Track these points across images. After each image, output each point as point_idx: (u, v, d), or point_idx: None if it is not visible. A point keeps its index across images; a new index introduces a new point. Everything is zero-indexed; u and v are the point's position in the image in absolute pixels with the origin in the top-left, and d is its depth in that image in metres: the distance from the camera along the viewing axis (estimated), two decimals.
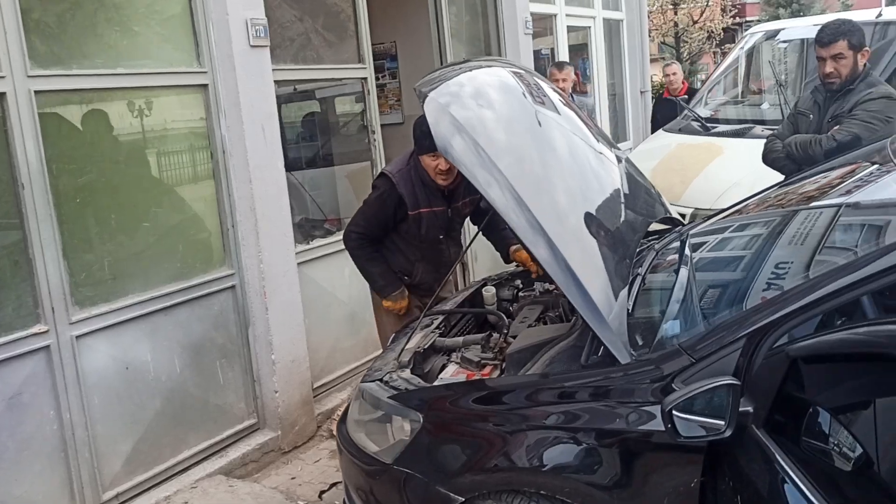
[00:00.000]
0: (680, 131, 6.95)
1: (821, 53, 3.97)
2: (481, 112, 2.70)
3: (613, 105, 9.80)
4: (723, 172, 5.79)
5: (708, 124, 6.66)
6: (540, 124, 2.91)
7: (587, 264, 2.49)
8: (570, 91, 6.65)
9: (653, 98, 10.09)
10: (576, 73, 7.33)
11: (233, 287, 4.12)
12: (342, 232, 3.87)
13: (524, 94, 2.97)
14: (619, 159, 3.45)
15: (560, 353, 2.61)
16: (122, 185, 3.66)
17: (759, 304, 2.21)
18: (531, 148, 2.76)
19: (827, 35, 3.96)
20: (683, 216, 5.41)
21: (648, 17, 24.25)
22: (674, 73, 8.35)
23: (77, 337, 3.41)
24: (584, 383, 2.36)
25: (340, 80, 5.27)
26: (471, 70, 3.02)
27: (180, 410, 3.87)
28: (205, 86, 3.96)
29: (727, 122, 6.59)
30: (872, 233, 2.36)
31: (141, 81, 3.72)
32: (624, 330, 2.39)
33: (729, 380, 1.97)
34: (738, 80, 7.13)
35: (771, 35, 6.99)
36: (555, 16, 7.86)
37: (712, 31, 22.61)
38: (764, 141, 5.93)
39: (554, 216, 2.53)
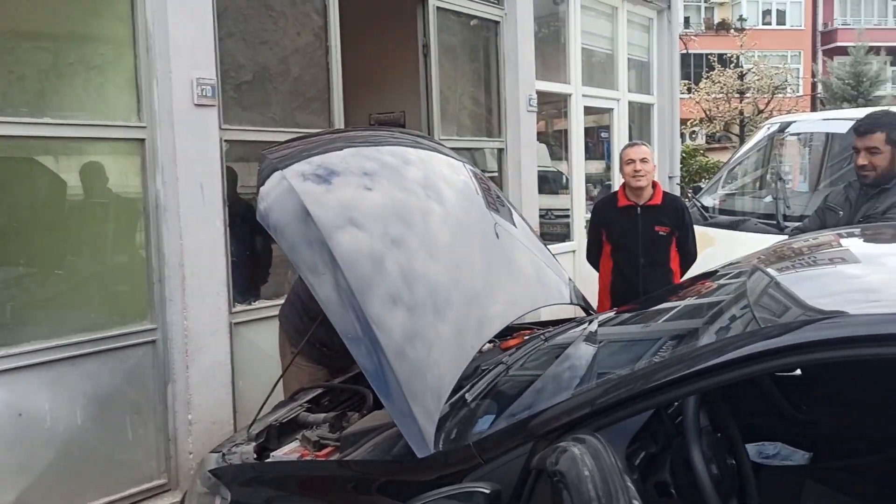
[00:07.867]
0: None
1: (856, 144, 3.69)
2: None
3: None
4: (707, 263, 5.56)
5: (708, 214, 6.43)
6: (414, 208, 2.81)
7: (402, 343, 2.33)
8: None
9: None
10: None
11: (153, 342, 4.07)
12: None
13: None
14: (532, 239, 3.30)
15: (386, 440, 2.44)
16: (37, 232, 3.69)
17: (556, 404, 2.01)
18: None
19: (864, 124, 3.66)
20: None
21: (714, 104, 24.21)
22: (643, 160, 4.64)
23: None
24: (371, 473, 2.19)
25: None
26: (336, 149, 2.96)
27: (78, 463, 3.80)
28: (142, 140, 4.00)
29: (726, 212, 6.35)
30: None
31: (70, 132, 3.77)
32: (432, 421, 2.21)
33: (484, 487, 1.78)
34: (746, 171, 6.89)
35: (784, 127, 6.76)
36: (569, 96, 7.78)
37: None
38: (754, 234, 5.70)
39: (378, 289, 2.39)
